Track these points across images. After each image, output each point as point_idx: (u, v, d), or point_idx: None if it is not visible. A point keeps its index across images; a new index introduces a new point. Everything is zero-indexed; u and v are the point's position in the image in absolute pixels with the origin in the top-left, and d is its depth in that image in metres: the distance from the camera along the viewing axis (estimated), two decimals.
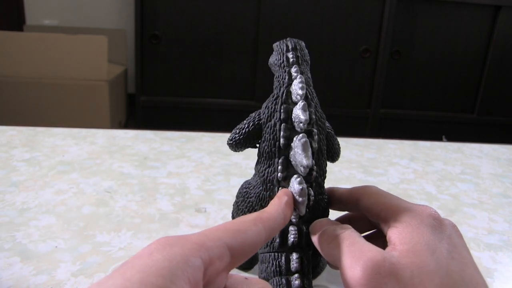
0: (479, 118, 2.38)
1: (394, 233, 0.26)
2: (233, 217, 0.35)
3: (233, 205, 0.35)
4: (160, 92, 2.26)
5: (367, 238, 0.32)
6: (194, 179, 0.53)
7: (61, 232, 0.40)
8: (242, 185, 0.34)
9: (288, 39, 0.33)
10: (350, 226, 0.28)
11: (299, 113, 0.30)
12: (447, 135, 2.30)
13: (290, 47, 0.33)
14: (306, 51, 0.34)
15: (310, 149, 0.29)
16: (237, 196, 0.34)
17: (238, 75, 2.23)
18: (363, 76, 2.28)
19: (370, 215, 0.30)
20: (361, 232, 0.32)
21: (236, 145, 0.32)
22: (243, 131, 0.31)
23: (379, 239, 0.29)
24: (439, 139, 2.15)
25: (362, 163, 0.62)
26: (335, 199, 0.32)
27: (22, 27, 2.35)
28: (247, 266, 0.36)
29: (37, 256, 0.36)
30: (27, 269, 0.34)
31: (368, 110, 2.32)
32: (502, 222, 0.48)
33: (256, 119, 0.31)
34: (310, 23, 2.18)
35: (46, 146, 0.61)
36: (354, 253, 0.25)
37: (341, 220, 0.34)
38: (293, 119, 0.30)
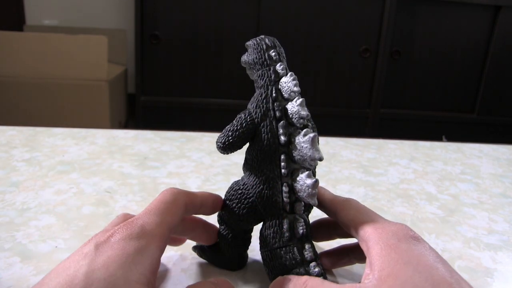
0: (479, 118, 2.38)
1: (373, 256, 0.26)
2: (223, 219, 0.34)
3: (223, 208, 0.33)
4: (160, 92, 2.25)
5: (348, 249, 0.33)
6: (194, 179, 0.53)
7: (61, 232, 0.40)
8: (232, 187, 0.33)
9: (263, 36, 0.33)
10: (307, 277, 0.28)
11: (299, 109, 0.30)
12: (447, 135, 2.30)
13: (270, 45, 0.32)
14: (282, 48, 0.34)
15: (318, 143, 0.29)
16: (230, 199, 0.33)
17: (238, 75, 2.23)
18: (363, 76, 2.28)
19: (347, 230, 0.30)
20: (342, 237, 0.34)
21: (230, 147, 0.31)
22: (236, 133, 0.30)
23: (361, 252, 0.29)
24: (439, 139, 2.15)
25: (362, 163, 0.63)
26: (318, 201, 0.33)
27: (22, 27, 2.35)
28: (235, 268, 0.35)
29: (37, 256, 0.36)
30: (27, 269, 0.34)
31: (368, 110, 2.32)
32: (502, 222, 0.48)
33: (249, 119, 0.31)
34: (310, 23, 2.18)
35: (46, 146, 0.61)
36: None
37: (324, 222, 0.35)
38: (291, 116, 0.30)
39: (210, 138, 0.68)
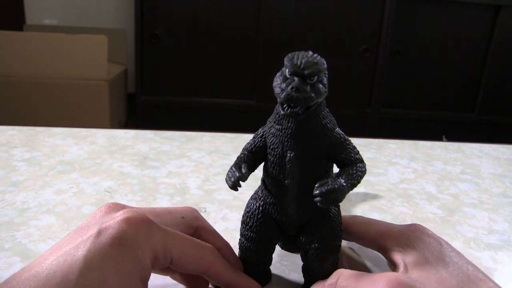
0: (479, 118, 2.38)
1: (399, 257, 0.28)
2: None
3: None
4: (160, 91, 2.25)
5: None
6: (194, 179, 0.53)
7: (61, 232, 0.40)
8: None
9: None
10: (341, 270, 0.29)
11: None
12: (447, 135, 2.30)
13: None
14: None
15: None
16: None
17: (238, 75, 2.23)
18: (363, 76, 2.28)
19: (363, 243, 0.33)
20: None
21: None
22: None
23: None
24: (439, 139, 2.15)
25: None
26: None
27: (22, 27, 2.35)
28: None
29: (37, 256, 0.36)
30: None
31: (368, 110, 2.32)
32: (502, 222, 0.48)
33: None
34: (310, 23, 2.18)
35: (46, 146, 0.61)
36: (368, 283, 0.26)
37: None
38: None
39: (210, 138, 0.68)
